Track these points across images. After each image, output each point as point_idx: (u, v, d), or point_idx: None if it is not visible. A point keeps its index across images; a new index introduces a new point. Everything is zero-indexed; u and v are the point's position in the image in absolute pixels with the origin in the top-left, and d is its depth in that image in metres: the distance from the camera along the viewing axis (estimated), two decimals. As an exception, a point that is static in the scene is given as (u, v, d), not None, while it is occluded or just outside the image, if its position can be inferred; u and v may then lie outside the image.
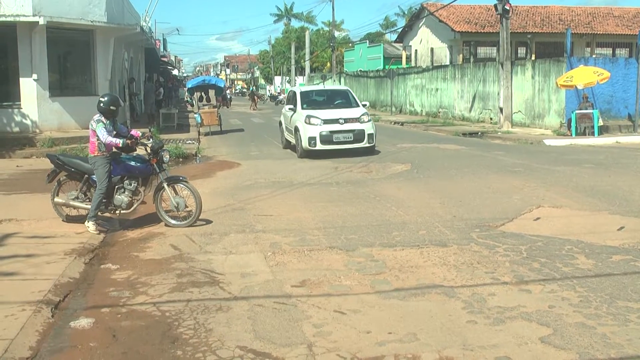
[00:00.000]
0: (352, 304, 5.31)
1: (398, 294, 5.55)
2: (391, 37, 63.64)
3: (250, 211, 9.28)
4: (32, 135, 17.74)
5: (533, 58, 32.31)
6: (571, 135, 20.32)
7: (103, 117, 8.14)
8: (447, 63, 35.60)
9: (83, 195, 8.42)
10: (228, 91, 46.25)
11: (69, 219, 8.49)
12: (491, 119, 26.78)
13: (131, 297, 5.58)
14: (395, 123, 29.68)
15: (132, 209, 8.45)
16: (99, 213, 8.31)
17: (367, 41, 58.43)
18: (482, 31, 35.75)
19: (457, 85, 30.34)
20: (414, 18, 43.36)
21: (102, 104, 8.19)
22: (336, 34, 61.62)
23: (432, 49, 38.63)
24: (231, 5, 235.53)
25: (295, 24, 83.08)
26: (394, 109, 36.96)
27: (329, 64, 61.35)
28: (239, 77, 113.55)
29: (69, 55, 20.87)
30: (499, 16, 24.09)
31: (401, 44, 45.91)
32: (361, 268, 6.35)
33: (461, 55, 36.38)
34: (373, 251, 6.96)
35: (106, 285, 5.96)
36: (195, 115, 24.30)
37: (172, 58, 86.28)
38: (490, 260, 6.52)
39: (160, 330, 4.80)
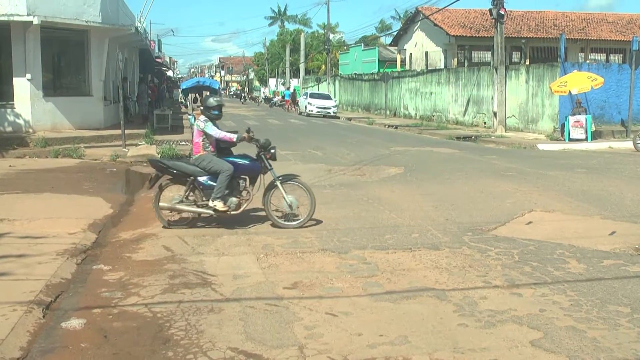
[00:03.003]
0: (343, 306, 5.32)
1: (390, 296, 5.56)
2: (386, 40, 63.82)
3: (242, 212, 9.25)
4: (25, 135, 17.67)
5: (527, 63, 32.46)
6: (564, 140, 20.42)
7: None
8: (442, 67, 35.71)
9: (187, 199, 8.27)
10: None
11: (172, 224, 8.31)
12: (485, 123, 26.88)
13: (123, 298, 5.57)
14: (389, 126, 29.75)
15: (241, 210, 8.23)
16: (203, 215, 8.28)
17: (362, 44, 58.50)
18: (477, 35, 35.90)
19: (451, 89, 30.42)
20: (409, 22, 43.49)
21: (202, 106, 8.33)
22: (331, 36, 61.64)
23: (426, 53, 38.74)
24: (226, 7, 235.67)
25: (290, 26, 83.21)
26: (388, 112, 37.02)
27: (323, 67, 61.36)
28: (233, 79, 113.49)
29: (63, 55, 20.83)
30: (493, 21, 24.22)
31: (396, 48, 46.02)
32: (353, 270, 6.36)
33: (456, 59, 36.50)
34: (365, 254, 6.97)
35: (98, 286, 5.94)
36: (189, 117, 24.26)
37: (167, 59, 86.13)
38: (482, 264, 6.54)
39: (152, 331, 4.80)
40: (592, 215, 8.99)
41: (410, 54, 42.20)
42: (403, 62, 43.77)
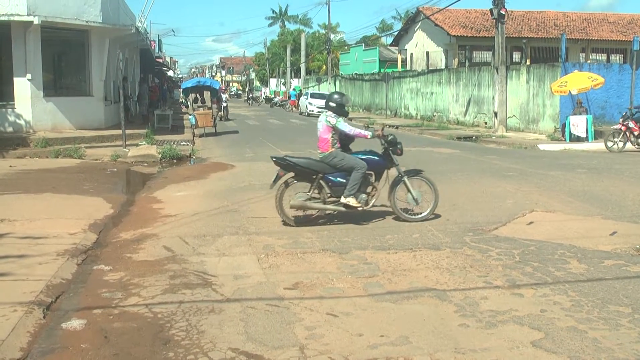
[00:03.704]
0: (344, 306, 5.31)
1: (391, 297, 5.55)
2: (387, 40, 63.79)
3: (244, 213, 9.27)
4: (26, 135, 17.69)
5: (528, 63, 32.45)
6: (565, 140, 20.40)
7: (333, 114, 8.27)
8: (443, 67, 35.71)
9: (315, 197, 8.32)
10: (225, 95, 38.97)
11: (298, 222, 8.35)
12: (486, 123, 26.87)
13: (123, 298, 5.56)
14: (390, 126, 29.65)
15: (369, 205, 8.33)
16: (327, 212, 8.40)
17: (363, 44, 58.51)
18: (478, 35, 35.89)
19: (452, 89, 30.42)
20: (410, 22, 43.50)
21: (330, 101, 8.35)
22: (332, 36, 61.64)
23: (427, 53, 38.74)
24: (227, 7, 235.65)
25: (291, 26, 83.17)
26: (388, 112, 37.01)
27: (324, 67, 61.37)
28: (234, 78, 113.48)
29: (64, 55, 20.85)
30: (494, 21, 24.20)
31: (397, 48, 46.03)
32: (354, 271, 6.35)
33: (456, 60, 36.49)
34: (366, 254, 6.97)
35: (98, 286, 5.94)
36: (190, 117, 24.28)
37: (168, 59, 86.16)
38: (483, 264, 6.53)
39: (152, 331, 4.79)
40: (593, 216, 8.97)
41: (411, 54, 42.21)
42: (404, 62, 43.78)
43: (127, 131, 18.06)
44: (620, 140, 17.86)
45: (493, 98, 24.88)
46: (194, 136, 22.52)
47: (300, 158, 8.52)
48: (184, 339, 4.63)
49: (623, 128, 17.81)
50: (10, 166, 14.20)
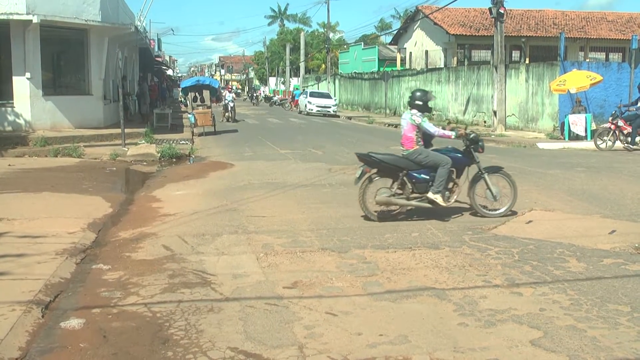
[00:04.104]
0: (343, 305, 5.31)
1: (390, 296, 5.55)
2: (386, 39, 63.83)
3: (243, 212, 9.26)
4: (25, 134, 17.67)
5: (527, 61, 32.45)
6: (564, 139, 20.41)
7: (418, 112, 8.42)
8: (442, 66, 35.70)
9: (397, 192, 8.47)
10: (230, 95, 34.75)
11: (380, 217, 8.49)
12: (485, 122, 26.87)
13: (122, 297, 5.56)
14: (389, 125, 29.74)
15: (451, 202, 8.51)
16: (412, 206, 8.56)
17: (362, 43, 58.51)
18: (477, 34, 35.89)
19: (451, 88, 30.42)
20: (409, 20, 43.48)
21: (414, 99, 8.54)
22: (331, 35, 61.63)
23: (426, 52, 38.73)
24: (226, 6, 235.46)
25: (290, 25, 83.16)
26: (388, 111, 37.02)
27: (323, 66, 61.35)
28: (233, 77, 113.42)
29: (63, 54, 20.83)
30: (493, 19, 24.19)
31: (396, 46, 46.03)
32: (353, 270, 6.35)
33: (455, 58, 36.48)
34: (365, 253, 6.96)
35: (97, 285, 5.93)
36: (189, 116, 24.27)
37: (167, 58, 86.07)
38: (482, 263, 6.53)
39: (151, 331, 4.78)
40: (592, 214, 8.98)
41: (410, 52, 42.21)
42: (403, 61, 43.78)
43: (126, 130, 18.06)
44: (609, 139, 17.88)
45: (492, 97, 24.87)
46: (193, 135, 22.51)
47: (385, 155, 8.72)
48: (182, 338, 4.63)
49: (612, 127, 17.83)
50: (9, 165, 14.20)
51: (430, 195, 8.33)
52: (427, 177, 8.40)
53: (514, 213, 8.81)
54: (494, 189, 8.60)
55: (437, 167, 8.31)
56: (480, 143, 8.61)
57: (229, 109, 31.76)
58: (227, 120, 30.63)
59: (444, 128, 8.86)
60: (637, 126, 17.41)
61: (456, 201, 8.66)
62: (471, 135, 8.55)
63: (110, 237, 7.91)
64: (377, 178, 8.53)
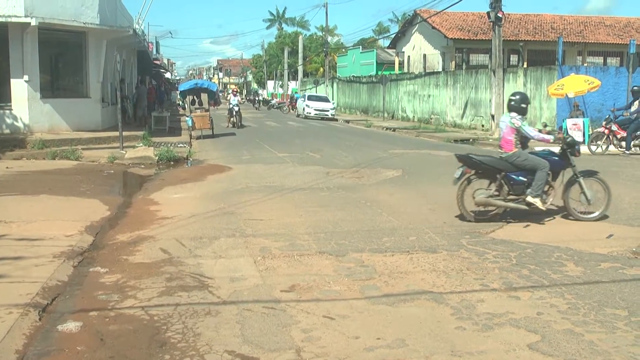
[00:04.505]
0: (341, 309, 5.31)
1: (387, 299, 5.55)
2: (384, 43, 63.83)
3: (240, 215, 9.26)
4: (23, 136, 17.66)
5: (525, 66, 32.50)
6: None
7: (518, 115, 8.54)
8: (440, 69, 35.75)
9: (496, 194, 8.61)
10: (236, 99, 31.51)
11: (477, 218, 8.66)
12: (483, 125, 26.91)
13: (120, 300, 5.55)
14: (387, 129, 29.77)
15: (547, 204, 8.65)
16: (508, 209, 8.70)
17: (360, 47, 58.54)
18: (475, 38, 35.95)
19: (449, 91, 30.46)
20: (407, 24, 43.56)
21: (513, 102, 8.64)
22: (329, 39, 61.69)
23: (424, 56, 38.79)
24: (225, 9, 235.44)
25: (288, 29, 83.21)
26: (386, 114, 37.05)
27: (322, 69, 61.39)
28: (231, 80, 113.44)
29: (61, 57, 20.82)
30: (491, 24, 24.23)
31: (394, 50, 46.08)
32: (351, 273, 6.35)
33: (453, 62, 36.54)
34: (363, 257, 6.96)
35: (95, 288, 5.92)
36: (187, 119, 24.27)
37: (165, 61, 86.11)
38: (480, 267, 6.54)
39: (149, 334, 4.78)
40: (590, 218, 8.98)
41: (409, 56, 42.28)
42: (401, 64, 43.85)
43: (124, 133, 18.04)
44: (603, 143, 17.91)
45: (490, 101, 24.91)
46: (191, 138, 22.51)
47: (484, 156, 8.91)
48: (180, 342, 4.62)
49: (606, 131, 17.86)
50: (7, 167, 14.17)
51: (529, 198, 8.49)
52: (525, 179, 8.56)
53: (605, 217, 8.82)
54: (588, 193, 8.70)
55: (535, 170, 8.48)
56: (576, 147, 8.79)
57: (234, 113, 29.53)
58: (232, 126, 28.94)
59: (540, 131, 9.06)
60: (632, 131, 17.45)
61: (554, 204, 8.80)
62: (568, 139, 8.77)
63: (107, 240, 7.90)
64: (475, 179, 8.74)
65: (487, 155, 9.25)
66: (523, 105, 8.67)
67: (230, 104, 30.81)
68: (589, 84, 20.20)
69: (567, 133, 20.11)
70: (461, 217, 8.78)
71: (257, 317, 5.11)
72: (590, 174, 8.92)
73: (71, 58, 20.60)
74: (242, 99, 62.77)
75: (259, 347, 4.53)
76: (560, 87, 20.50)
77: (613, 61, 36.87)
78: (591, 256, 6.94)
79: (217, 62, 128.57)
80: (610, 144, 17.82)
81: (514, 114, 8.62)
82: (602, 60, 37.20)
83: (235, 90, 36.77)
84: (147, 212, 9.68)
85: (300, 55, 63.61)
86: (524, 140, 8.74)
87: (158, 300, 5.53)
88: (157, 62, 54.13)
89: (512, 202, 8.67)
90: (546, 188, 8.64)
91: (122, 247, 7.51)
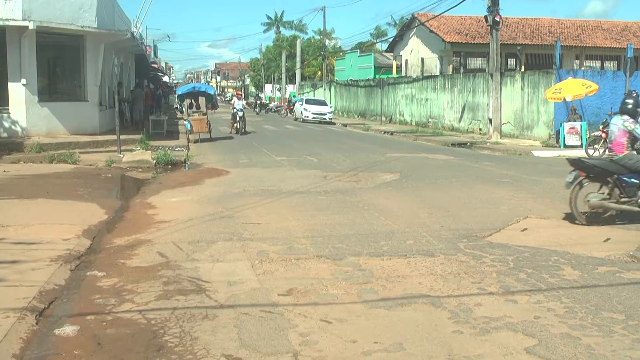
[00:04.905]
0: (338, 313, 5.30)
1: (384, 303, 5.55)
2: (382, 46, 63.96)
3: (238, 219, 9.25)
4: (20, 140, 17.63)
5: (522, 69, 32.53)
6: (559, 146, 20.47)
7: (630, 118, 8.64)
8: (437, 73, 35.78)
9: (607, 197, 8.68)
10: (240, 103, 29.09)
11: (589, 221, 8.71)
12: (480, 129, 26.94)
13: (117, 304, 5.54)
14: (384, 132, 29.79)
15: None
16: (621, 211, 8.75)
17: (358, 50, 58.62)
18: (473, 42, 35.98)
19: (446, 95, 30.49)
20: (405, 28, 43.58)
21: (630, 106, 8.72)
22: (327, 42, 61.73)
23: (422, 59, 38.80)
24: (223, 13, 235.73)
25: (286, 32, 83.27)
26: (383, 118, 37.08)
27: (319, 73, 61.43)
28: (229, 84, 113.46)
29: (59, 60, 20.82)
30: (489, 27, 24.27)
31: (392, 54, 46.09)
32: (348, 277, 6.35)
33: (451, 66, 36.56)
34: (360, 260, 6.96)
35: (92, 292, 5.92)
36: (185, 122, 24.26)
37: (163, 64, 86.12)
38: (477, 271, 6.54)
39: (146, 338, 4.77)
40: (587, 222, 9.00)
41: (406, 60, 42.30)
42: (399, 68, 43.87)
43: (122, 136, 18.04)
44: (600, 147, 17.94)
45: (487, 104, 24.93)
46: (188, 142, 22.49)
47: (596, 160, 9.00)
48: (177, 346, 4.62)
49: (604, 135, 17.87)
50: (4, 171, 14.15)
51: None
52: (637, 181, 8.63)
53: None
54: None
55: None
56: None
57: (238, 118, 27.66)
58: (237, 132, 27.43)
59: None
60: None
61: None
62: None
63: (105, 244, 7.89)
64: (587, 183, 8.79)
65: (598, 158, 9.36)
66: (639, 109, 8.76)
67: (234, 108, 28.82)
68: (586, 87, 20.25)
69: (564, 137, 20.23)
70: (570, 217, 8.89)
71: (254, 321, 5.11)
72: None
73: (69, 61, 20.60)
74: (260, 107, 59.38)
75: (257, 351, 4.53)
76: (557, 91, 20.54)
77: (610, 65, 36.93)
78: (588, 260, 6.95)
79: (215, 66, 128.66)
80: (607, 147, 17.85)
81: (626, 117, 8.73)
82: (600, 64, 37.26)
83: (239, 94, 35.44)
84: (145, 216, 9.67)
85: (298, 58, 63.65)
86: (634, 143, 8.84)
87: (155, 304, 5.52)
88: (155, 66, 54.13)
89: (626, 204, 8.71)
90: None
91: (120, 250, 7.51)
